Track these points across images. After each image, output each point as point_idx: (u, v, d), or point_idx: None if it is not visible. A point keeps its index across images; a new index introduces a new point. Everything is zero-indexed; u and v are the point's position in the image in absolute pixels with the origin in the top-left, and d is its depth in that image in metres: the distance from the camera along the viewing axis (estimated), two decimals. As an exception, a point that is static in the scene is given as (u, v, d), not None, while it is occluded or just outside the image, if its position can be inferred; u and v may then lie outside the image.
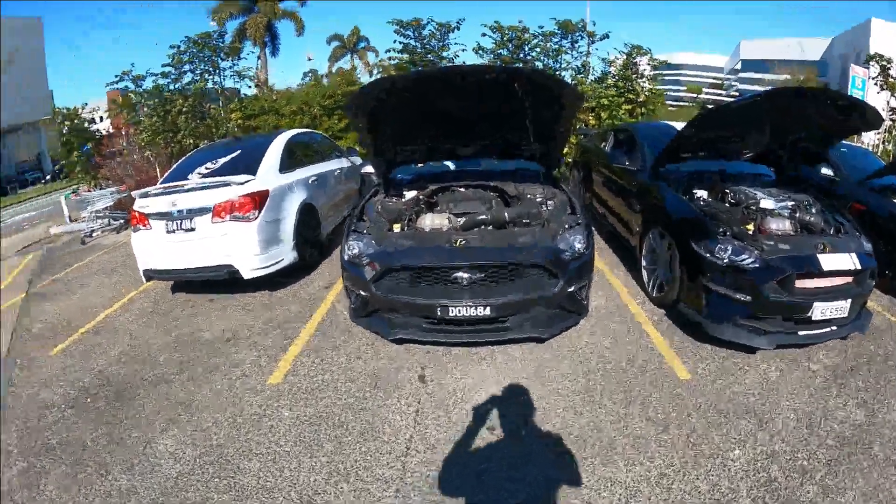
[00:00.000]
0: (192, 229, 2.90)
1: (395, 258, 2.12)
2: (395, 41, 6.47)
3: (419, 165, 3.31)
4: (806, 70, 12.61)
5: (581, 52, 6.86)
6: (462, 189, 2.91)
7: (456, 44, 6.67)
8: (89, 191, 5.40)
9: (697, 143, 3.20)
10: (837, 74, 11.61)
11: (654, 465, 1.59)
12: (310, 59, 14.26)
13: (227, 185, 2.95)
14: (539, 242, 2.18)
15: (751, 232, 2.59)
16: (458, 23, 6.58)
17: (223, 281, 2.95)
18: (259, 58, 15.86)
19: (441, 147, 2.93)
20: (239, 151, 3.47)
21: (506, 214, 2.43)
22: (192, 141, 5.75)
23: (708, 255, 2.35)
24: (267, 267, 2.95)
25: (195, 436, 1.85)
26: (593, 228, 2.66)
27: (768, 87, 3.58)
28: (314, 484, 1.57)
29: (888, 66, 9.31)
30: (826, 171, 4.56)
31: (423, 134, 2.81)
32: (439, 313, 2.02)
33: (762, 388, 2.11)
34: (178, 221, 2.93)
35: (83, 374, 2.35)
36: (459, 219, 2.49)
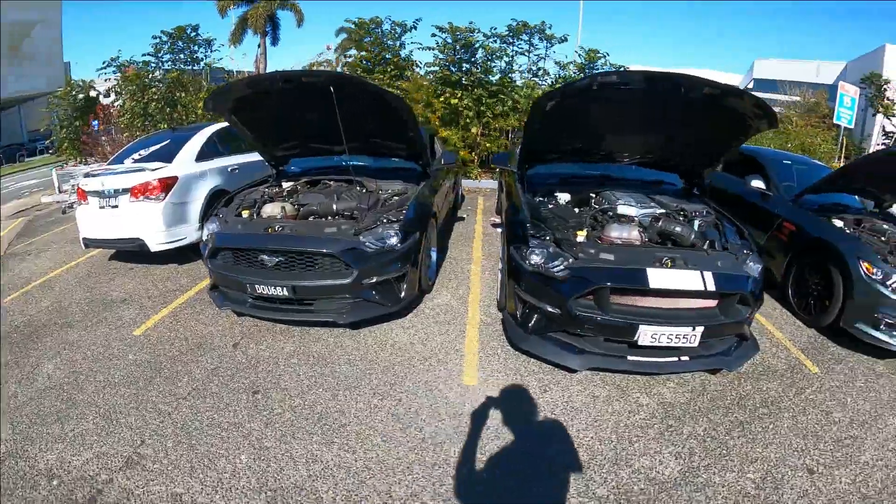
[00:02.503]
0: (116, 206, 3.87)
1: (221, 239, 2.82)
2: (346, 39, 7.29)
3: (316, 158, 4.04)
4: (817, 93, 12.44)
5: (539, 56, 7.22)
6: (331, 183, 3.60)
7: (412, 42, 7.33)
8: (75, 165, 6.83)
9: (574, 146, 3.45)
10: (867, 104, 11.71)
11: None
12: (329, 49, 15.47)
13: (143, 170, 3.91)
14: (342, 235, 2.70)
15: (580, 239, 2.65)
16: (414, 23, 7.24)
17: (143, 252, 3.92)
18: (259, 46, 17.59)
19: (313, 145, 3.62)
20: (168, 141, 4.43)
21: (334, 207, 3.04)
22: (165, 126, 6.98)
23: (519, 259, 2.55)
24: (171, 242, 3.87)
25: (66, 365, 2.73)
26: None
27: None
28: (120, 405, 2.34)
29: (885, 86, 9.52)
30: (758, 183, 4.66)
31: (294, 133, 3.52)
32: (248, 289, 2.71)
33: (557, 410, 2.25)
34: (107, 199, 3.92)
35: (17, 317, 3.39)
36: (301, 209, 3.12)
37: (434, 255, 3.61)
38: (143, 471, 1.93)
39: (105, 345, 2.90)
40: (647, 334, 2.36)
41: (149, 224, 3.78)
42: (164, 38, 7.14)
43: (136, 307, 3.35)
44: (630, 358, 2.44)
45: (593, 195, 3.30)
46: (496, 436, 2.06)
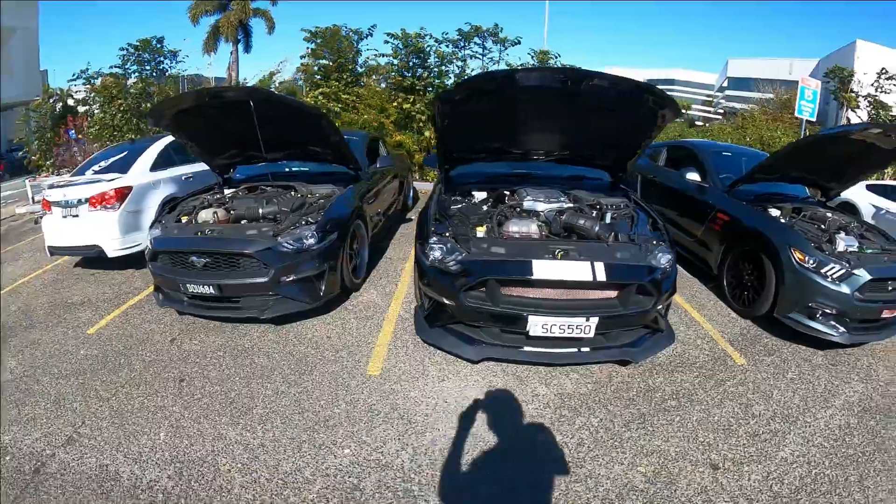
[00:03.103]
0: (77, 216, 4.30)
1: (158, 243, 3.23)
2: (307, 48, 7.69)
3: (260, 165, 4.43)
4: (790, 90, 12.81)
5: (492, 59, 7.55)
6: (267, 189, 3.99)
7: (368, 49, 7.72)
8: (47, 177, 7.30)
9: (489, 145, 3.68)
10: (831, 97, 12.03)
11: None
12: (281, 63, 15.99)
13: (100, 181, 4.34)
14: (261, 236, 3.07)
15: (480, 234, 2.87)
16: (370, 30, 7.61)
17: (102, 259, 4.36)
18: (232, 53, 18.13)
19: (251, 154, 4.01)
20: (126, 152, 4.84)
21: (260, 211, 3.40)
22: (132, 136, 7.41)
23: (422, 255, 2.83)
24: (126, 248, 4.30)
25: (27, 360, 3.17)
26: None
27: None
28: (68, 393, 2.75)
29: (848, 79, 9.65)
30: (693, 176, 4.90)
31: (231, 143, 3.90)
32: (182, 289, 3.13)
33: (450, 398, 2.50)
34: (69, 209, 4.35)
35: (-12, 320, 3.89)
36: (232, 213, 3.50)
37: (365, 255, 4.01)
38: (79, 447, 2.35)
39: (62, 343, 3.34)
40: (537, 325, 2.51)
41: (106, 232, 4.21)
42: (131, 50, 7.58)
43: (92, 309, 3.78)
44: (526, 349, 2.63)
45: (507, 193, 3.55)
46: (384, 420, 2.41)
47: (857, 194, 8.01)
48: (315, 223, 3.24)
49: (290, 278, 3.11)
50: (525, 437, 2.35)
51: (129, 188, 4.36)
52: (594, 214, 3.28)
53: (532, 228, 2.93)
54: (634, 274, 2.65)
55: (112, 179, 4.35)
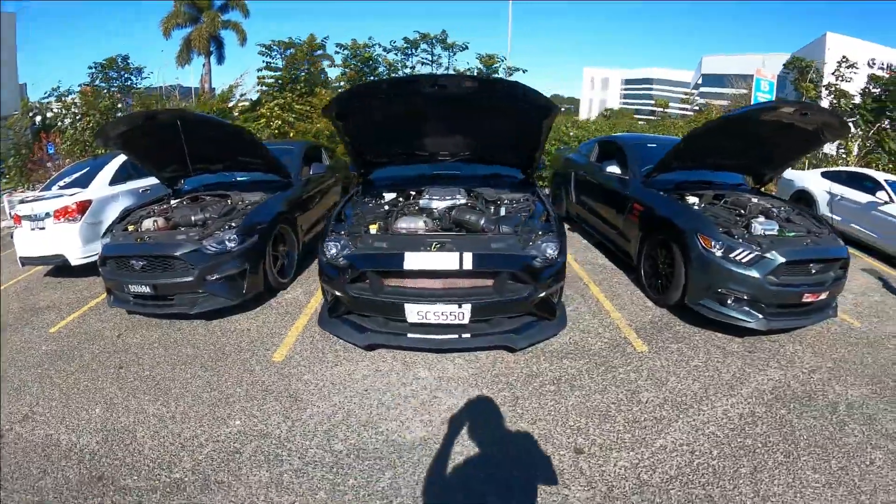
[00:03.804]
0: (43, 228, 4.95)
1: (105, 249, 3.82)
2: (262, 61, 8.32)
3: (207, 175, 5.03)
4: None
5: (440, 64, 8.09)
6: (206, 198, 4.58)
7: (318, 55, 8.30)
8: (23, 192, 8.02)
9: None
10: (792, 88, 12.19)
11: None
12: (241, 76, 16.85)
13: (62, 196, 4.98)
14: (188, 240, 3.64)
15: (374, 231, 3.26)
16: (322, 40, 8.18)
17: (67, 267, 5.00)
18: (204, 66, 18.87)
19: (195, 166, 4.60)
20: (88, 168, 5.48)
21: (192, 218, 3.97)
22: (102, 151, 8.08)
23: (321, 253, 3.23)
24: (88, 257, 4.93)
25: None
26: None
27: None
28: (28, 381, 3.33)
29: (806, 69, 9.78)
30: (613, 168, 5.26)
31: (173, 157, 4.49)
32: (126, 290, 3.73)
33: (337, 380, 2.94)
34: (36, 222, 5.00)
35: (-33, 322, 4.57)
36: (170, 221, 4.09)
37: (294, 256, 4.58)
38: (32, 422, 2.96)
39: (27, 341, 3.98)
40: (413, 312, 2.84)
41: (69, 242, 4.85)
42: (99, 69, 8.29)
43: (55, 312, 4.43)
44: (410, 336, 2.98)
45: (413, 193, 4.02)
46: (275, 398, 2.94)
47: (813, 182, 8.27)
48: (236, 227, 3.82)
49: (215, 277, 3.69)
50: (391, 415, 2.71)
51: (90, 202, 4.99)
52: (492, 210, 3.70)
53: (418, 224, 3.31)
54: (505, 263, 2.92)
55: (73, 194, 4.99)
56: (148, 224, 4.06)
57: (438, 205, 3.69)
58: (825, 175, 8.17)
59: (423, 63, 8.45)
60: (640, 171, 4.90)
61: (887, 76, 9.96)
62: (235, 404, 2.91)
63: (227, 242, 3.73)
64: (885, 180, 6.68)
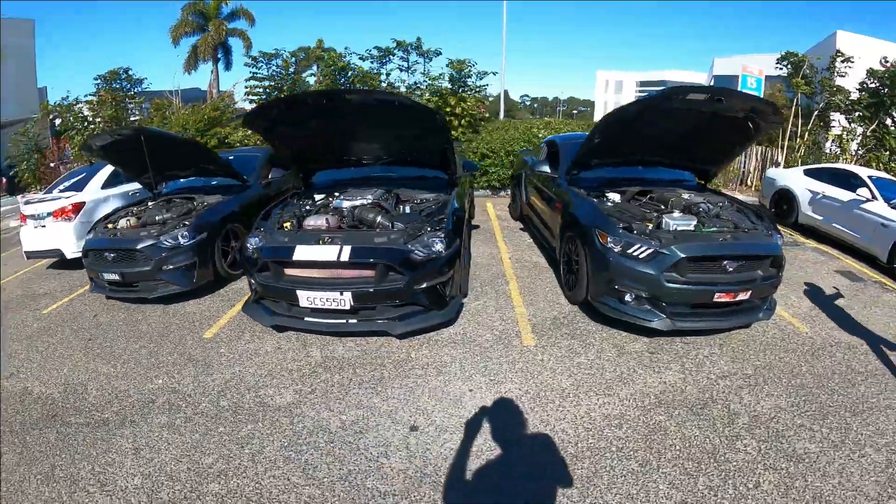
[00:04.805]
0: (44, 226, 6.09)
1: (87, 244, 4.84)
2: (250, 72, 9.40)
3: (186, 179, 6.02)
4: (773, 85, 12.78)
5: (413, 70, 8.91)
6: (176, 199, 5.54)
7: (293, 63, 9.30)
8: (33, 193, 9.41)
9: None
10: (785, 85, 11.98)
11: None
12: (233, 86, 18.44)
13: (60, 198, 6.11)
14: (149, 237, 4.55)
15: (288, 227, 3.86)
16: (304, 52, 9.16)
17: (64, 260, 6.11)
18: (212, 72, 20.52)
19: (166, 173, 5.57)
20: (84, 174, 6.61)
21: (157, 218, 4.91)
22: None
23: (245, 247, 3.96)
24: (80, 252, 6.00)
25: None
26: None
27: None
28: (19, 350, 4.36)
29: (800, 63, 9.54)
30: (544, 168, 5.74)
31: (146, 166, 5.48)
32: (101, 278, 4.71)
33: (244, 355, 3.62)
34: (39, 220, 6.15)
35: (-16, 303, 5.74)
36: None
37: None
38: (16, 380, 3.92)
39: (23, 320, 5.03)
40: (304, 297, 3.38)
41: (65, 238, 5.95)
42: (103, 81, 9.70)
43: (50, 297, 5.51)
44: (307, 319, 3.57)
45: (337, 193, 4.73)
46: (194, 365, 3.75)
47: (794, 180, 8.25)
48: (188, 225, 4.72)
49: (169, 267, 4.61)
50: (272, 384, 3.35)
51: (83, 203, 6.09)
52: (399, 208, 4.35)
53: (320, 222, 3.92)
54: (382, 255, 3.33)
55: (69, 196, 6.11)
56: (122, 223, 5.05)
57: (348, 204, 4.35)
58: (808, 173, 8.12)
59: (400, 69, 9.33)
60: (566, 169, 5.13)
61: (883, 69, 9.78)
62: (163, 368, 3.77)
63: (179, 238, 4.64)
64: (869, 176, 6.57)
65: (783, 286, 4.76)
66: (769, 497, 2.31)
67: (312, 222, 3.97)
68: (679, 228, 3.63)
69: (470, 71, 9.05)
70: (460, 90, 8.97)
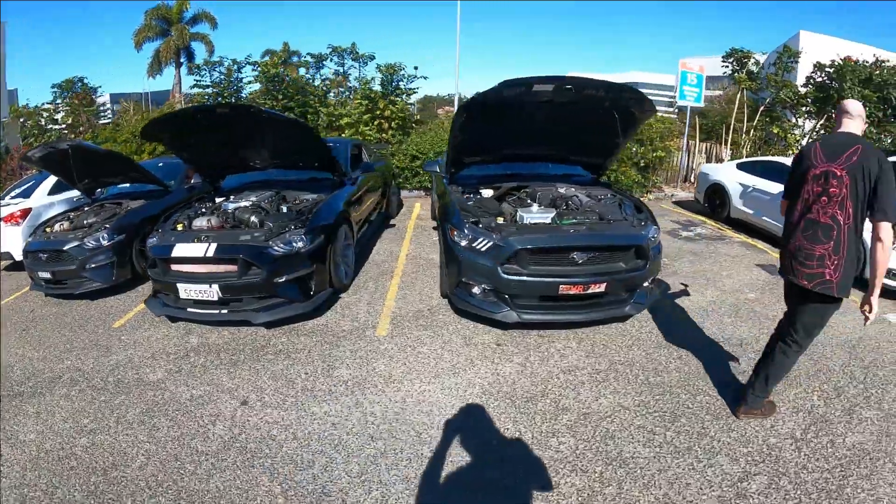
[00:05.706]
0: (-1, 231, 7.17)
1: (27, 245, 5.87)
2: (194, 80, 10.27)
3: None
4: (720, 84, 13.22)
5: (347, 74, 9.70)
6: (106, 205, 6.53)
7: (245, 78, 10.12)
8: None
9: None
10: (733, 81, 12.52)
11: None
12: (180, 95, 19.03)
13: (10, 205, 7.14)
14: (74, 238, 5.55)
15: (180, 228, 4.58)
16: (246, 59, 10.03)
17: (16, 261, 7.18)
18: (175, 76, 21.39)
19: (101, 180, 6.56)
20: (33, 181, 7.63)
21: (84, 221, 5.91)
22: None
23: (147, 245, 4.95)
24: (27, 252, 7.09)
25: None
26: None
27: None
28: None
29: (746, 59, 9.90)
30: (434, 168, 6.55)
31: (81, 174, 6.46)
32: (38, 276, 5.78)
33: (152, 341, 4.73)
34: (-8, 226, 7.22)
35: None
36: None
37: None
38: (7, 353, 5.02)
39: (-21, 311, 6.16)
40: (182, 290, 4.05)
41: (14, 242, 7.00)
42: (58, 90, 10.68)
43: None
44: (189, 309, 4.24)
45: (232, 196, 5.63)
46: (97, 349, 4.75)
47: (726, 175, 8.58)
48: (108, 228, 5.70)
49: (91, 266, 5.63)
50: (149, 364, 4.14)
51: (30, 209, 7.12)
52: (280, 209, 5.14)
53: (203, 223, 4.66)
54: (243, 252, 3.88)
55: (18, 203, 7.13)
56: (57, 226, 6.06)
57: (232, 206, 5.19)
58: (740, 167, 8.46)
59: (336, 74, 10.12)
60: (449, 168, 5.36)
61: (829, 63, 10.21)
62: (74, 352, 4.81)
63: (100, 240, 5.64)
64: None
65: (691, 281, 5.28)
66: (564, 502, 2.15)
67: (198, 223, 4.67)
68: (532, 222, 3.78)
69: (402, 74, 9.82)
70: (392, 93, 9.74)
